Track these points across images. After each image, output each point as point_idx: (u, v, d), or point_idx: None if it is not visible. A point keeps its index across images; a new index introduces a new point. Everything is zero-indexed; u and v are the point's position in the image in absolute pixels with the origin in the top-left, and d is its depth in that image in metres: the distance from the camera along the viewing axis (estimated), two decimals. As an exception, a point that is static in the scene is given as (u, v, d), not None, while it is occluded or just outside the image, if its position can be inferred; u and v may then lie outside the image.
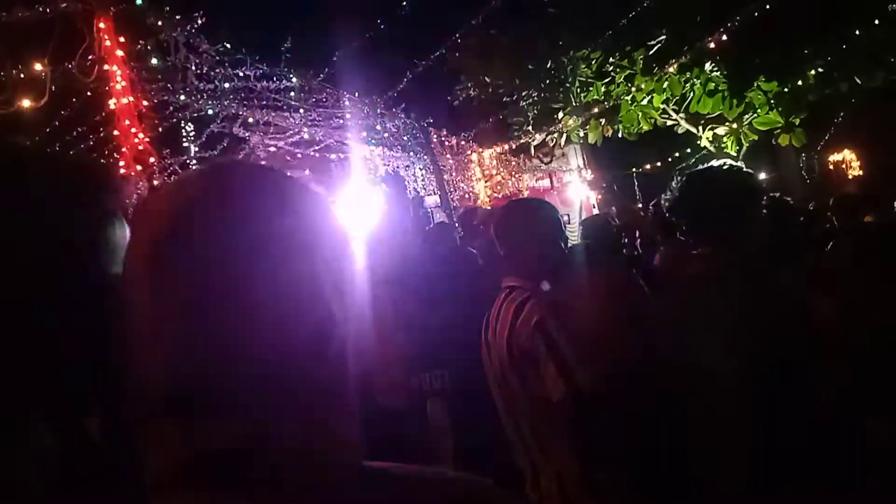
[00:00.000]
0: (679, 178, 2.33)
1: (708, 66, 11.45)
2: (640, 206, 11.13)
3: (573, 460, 2.07)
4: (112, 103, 4.81)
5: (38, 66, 4.69)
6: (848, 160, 14.99)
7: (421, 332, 3.31)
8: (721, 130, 12.20)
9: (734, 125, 11.92)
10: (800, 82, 11.14)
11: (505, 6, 9.95)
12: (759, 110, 11.60)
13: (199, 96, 6.76)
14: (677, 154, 14.50)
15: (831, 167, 15.11)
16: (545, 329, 2.05)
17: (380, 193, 8.53)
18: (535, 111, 13.99)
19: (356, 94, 9.67)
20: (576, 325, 2.06)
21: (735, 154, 11.94)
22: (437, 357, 3.25)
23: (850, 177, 14.58)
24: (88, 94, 5.50)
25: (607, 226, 3.68)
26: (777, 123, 11.46)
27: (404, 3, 8.18)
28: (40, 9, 4.51)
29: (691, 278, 2.39)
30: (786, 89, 11.26)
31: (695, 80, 11.78)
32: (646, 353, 2.27)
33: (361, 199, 8.59)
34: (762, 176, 12.02)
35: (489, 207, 10.19)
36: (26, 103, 4.67)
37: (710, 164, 2.49)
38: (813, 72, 11.02)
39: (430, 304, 3.32)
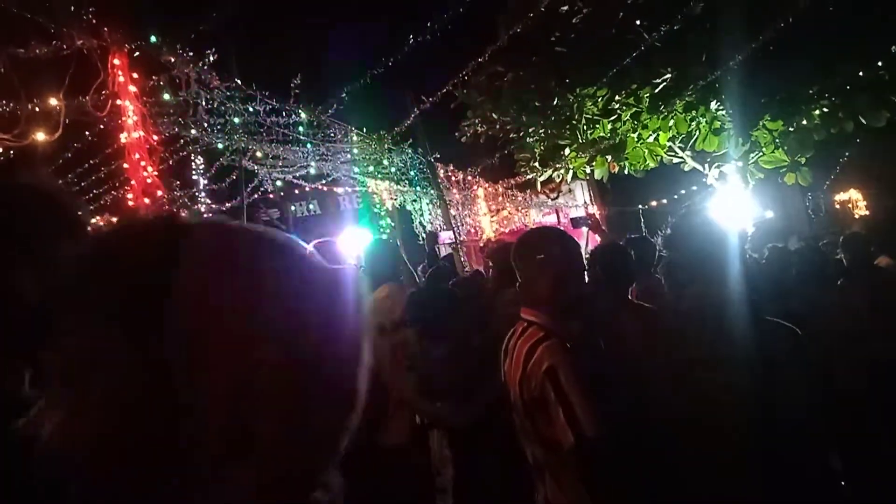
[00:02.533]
0: (677, 216, 2.35)
1: (713, 105, 11.54)
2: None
3: (586, 496, 2.07)
4: (123, 137, 4.88)
5: (52, 101, 4.77)
6: (854, 199, 15.00)
7: (424, 367, 3.31)
8: (727, 168, 12.24)
9: (740, 163, 11.97)
10: (805, 121, 11.20)
11: (512, 44, 10.09)
12: (764, 149, 11.65)
13: (209, 130, 6.85)
14: (683, 191, 14.55)
15: (837, 206, 15.12)
16: (555, 376, 2.04)
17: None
18: (542, 147, 14.08)
19: (364, 130, 9.78)
20: (587, 372, 2.05)
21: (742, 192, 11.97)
22: (438, 390, 3.24)
23: (857, 216, 14.57)
24: (100, 127, 5.59)
25: (624, 254, 3.46)
26: (783, 162, 11.51)
27: (412, 40, 8.31)
28: (57, 44, 4.61)
29: (686, 313, 2.41)
30: (791, 128, 11.31)
31: (700, 118, 11.86)
32: (648, 390, 2.28)
33: (365, 237, 8.63)
34: (768, 214, 12.03)
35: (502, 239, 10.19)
36: (40, 136, 4.75)
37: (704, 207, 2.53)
38: (818, 111, 11.08)
39: (431, 339, 3.32)
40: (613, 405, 2.01)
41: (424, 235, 10.45)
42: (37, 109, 4.76)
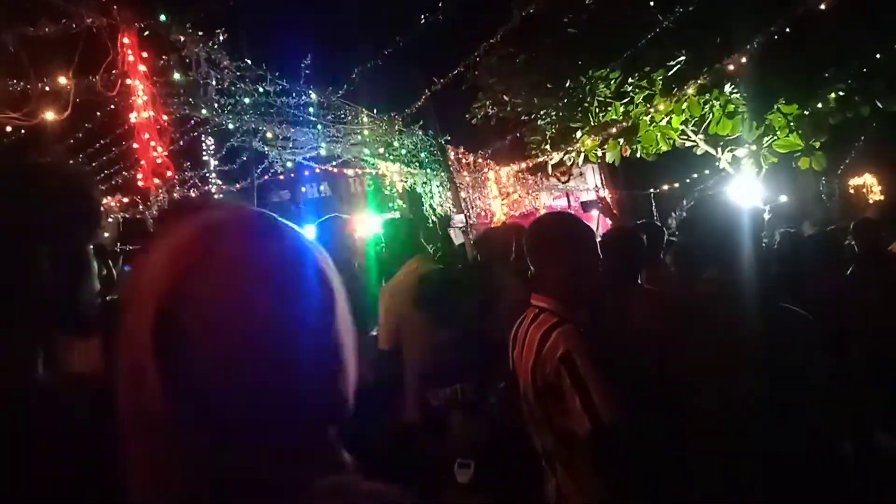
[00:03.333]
0: (691, 200, 2.33)
1: (727, 88, 11.40)
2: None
3: (601, 487, 2.05)
4: (133, 117, 4.87)
5: (62, 80, 4.76)
6: (868, 184, 14.85)
7: (430, 351, 3.29)
8: (740, 152, 12.11)
9: (753, 147, 11.84)
10: (820, 105, 11.04)
11: (524, 25, 9.99)
12: (778, 133, 11.51)
13: (219, 111, 6.83)
14: (695, 175, 14.43)
15: (851, 191, 14.97)
16: (571, 362, 2.00)
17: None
18: (553, 130, 13.97)
19: (374, 111, 9.74)
20: (602, 358, 2.02)
21: (755, 176, 11.85)
22: (458, 371, 3.21)
23: (871, 201, 14.42)
24: (111, 107, 5.58)
25: (635, 239, 3.37)
26: (797, 146, 11.36)
27: (423, 20, 8.23)
28: (66, 23, 4.59)
29: (702, 298, 2.38)
30: (806, 112, 11.16)
31: (714, 101, 11.72)
32: (667, 379, 2.25)
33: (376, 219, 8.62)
34: (782, 199, 11.92)
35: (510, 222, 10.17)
36: (49, 115, 4.74)
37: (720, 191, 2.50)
38: (834, 95, 10.92)
39: (441, 320, 3.30)
40: (627, 393, 1.99)
41: (434, 218, 10.44)
42: (46, 88, 4.76)
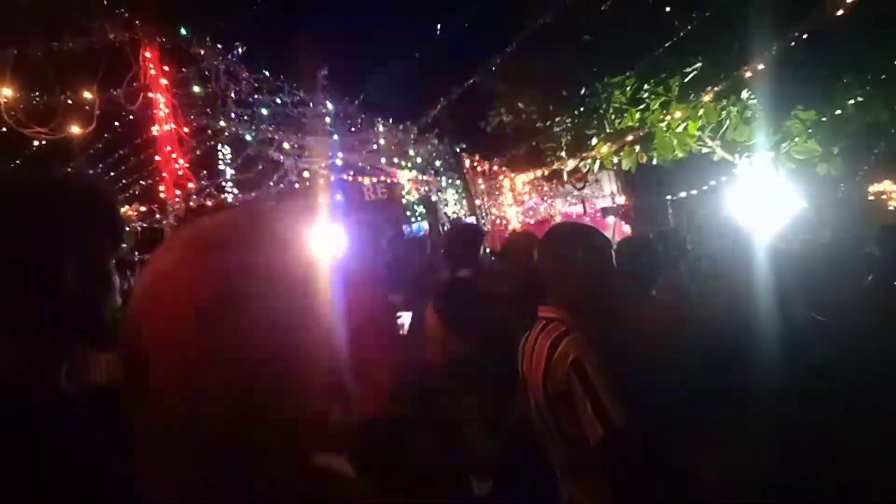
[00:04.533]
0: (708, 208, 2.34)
1: (744, 94, 11.32)
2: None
3: (612, 497, 2.05)
4: (155, 129, 4.95)
5: (86, 94, 4.85)
6: (889, 191, 14.66)
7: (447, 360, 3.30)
8: (757, 159, 12.02)
9: (771, 153, 11.74)
10: (839, 111, 10.94)
11: (540, 32, 10.01)
12: (796, 139, 11.41)
13: (237, 121, 6.92)
14: (713, 182, 14.33)
15: (871, 197, 14.78)
16: (582, 368, 2.00)
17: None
18: (569, 137, 13.95)
19: (390, 120, 9.80)
20: (614, 365, 2.02)
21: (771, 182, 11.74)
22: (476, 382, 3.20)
23: (891, 207, 14.23)
24: (130, 118, 5.67)
25: (649, 249, 3.35)
26: (815, 152, 11.25)
27: (438, 30, 8.29)
28: (90, 38, 4.68)
29: (713, 308, 2.39)
30: (824, 118, 11.05)
31: (731, 107, 11.64)
32: (673, 389, 2.26)
33: (390, 224, 8.65)
34: (801, 205, 11.80)
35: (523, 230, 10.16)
36: (75, 130, 4.83)
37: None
38: (852, 101, 10.81)
39: (456, 331, 3.30)
40: (638, 401, 1.99)
41: (448, 226, 10.47)
42: (69, 102, 4.85)
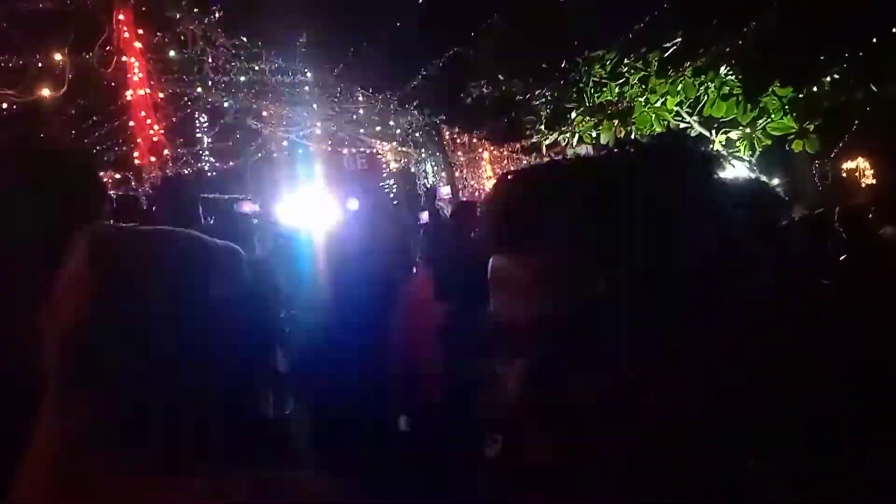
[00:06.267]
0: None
1: (723, 70, 11.37)
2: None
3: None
4: (129, 94, 4.86)
5: (57, 56, 4.73)
6: (861, 168, 14.88)
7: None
8: (734, 134, 12.10)
9: (747, 130, 11.84)
10: (815, 88, 11.04)
11: (520, 4, 9.94)
12: (773, 115, 11.50)
13: (214, 89, 6.80)
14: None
15: (844, 174, 15.00)
16: None
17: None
18: (548, 110, 13.91)
19: (370, 91, 9.70)
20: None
21: (748, 159, 11.86)
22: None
23: (863, 185, 14.46)
24: (106, 84, 5.55)
25: None
26: (791, 129, 11.36)
27: (419, 1, 8.18)
28: (61, -1, 4.56)
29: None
30: (801, 95, 11.16)
31: (709, 83, 11.68)
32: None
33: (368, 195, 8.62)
34: (774, 182, 11.95)
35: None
36: (45, 92, 4.72)
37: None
38: (829, 78, 10.92)
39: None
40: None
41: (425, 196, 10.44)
42: (41, 65, 4.73)
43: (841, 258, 4.60)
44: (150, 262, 0.75)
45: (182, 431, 0.72)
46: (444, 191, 12.00)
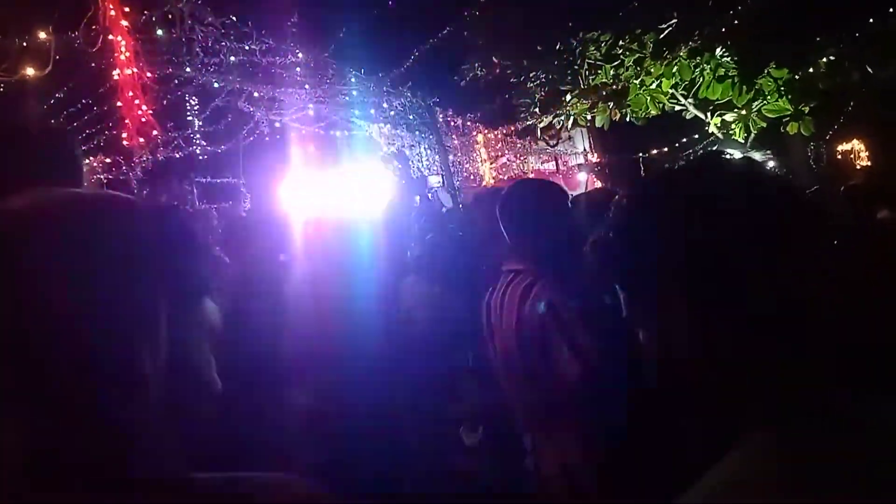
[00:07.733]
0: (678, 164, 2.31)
1: (718, 52, 11.31)
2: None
3: (579, 448, 2.06)
4: (116, 74, 4.77)
5: (41, 35, 4.63)
6: (856, 150, 14.88)
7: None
8: (729, 117, 12.06)
9: (743, 112, 11.80)
10: (811, 70, 11.00)
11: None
12: (768, 97, 11.46)
13: (203, 69, 6.70)
14: (684, 139, 14.39)
15: (839, 156, 15.00)
16: (556, 311, 2.01)
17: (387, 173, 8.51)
18: (543, 93, 13.84)
19: (362, 72, 9.59)
20: (583, 309, 2.02)
21: (742, 141, 11.84)
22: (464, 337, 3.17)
23: (858, 167, 14.47)
24: (92, 64, 5.45)
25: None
26: (786, 111, 11.33)
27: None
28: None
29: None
30: (797, 77, 11.12)
31: (705, 65, 11.63)
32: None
33: (365, 178, 8.55)
34: (770, 164, 11.93)
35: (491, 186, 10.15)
36: (30, 72, 4.62)
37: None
38: (824, 60, 10.87)
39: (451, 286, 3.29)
40: (608, 344, 1.99)
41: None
42: (25, 44, 4.63)
43: (837, 239, 4.60)
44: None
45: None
46: (434, 180, 11.87)
